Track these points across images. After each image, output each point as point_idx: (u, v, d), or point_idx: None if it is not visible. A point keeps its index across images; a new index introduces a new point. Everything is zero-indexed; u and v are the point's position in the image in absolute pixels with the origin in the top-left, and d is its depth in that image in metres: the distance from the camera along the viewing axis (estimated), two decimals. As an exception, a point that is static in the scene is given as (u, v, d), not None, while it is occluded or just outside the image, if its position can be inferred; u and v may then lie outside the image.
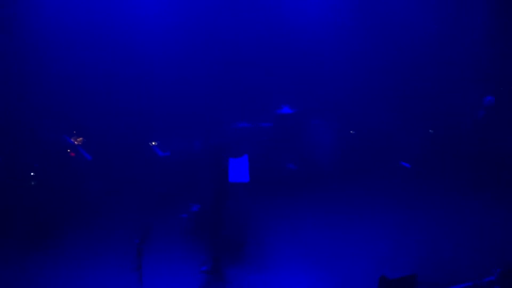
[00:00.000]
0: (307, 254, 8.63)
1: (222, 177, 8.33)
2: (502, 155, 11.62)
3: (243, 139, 11.79)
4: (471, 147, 12.14)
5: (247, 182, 9.12)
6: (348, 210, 10.37)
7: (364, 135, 12.81)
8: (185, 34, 12.31)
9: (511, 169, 11.22)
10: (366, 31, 13.17)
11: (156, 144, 11.37)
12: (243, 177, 9.16)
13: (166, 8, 12.22)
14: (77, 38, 11.59)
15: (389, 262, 8.05)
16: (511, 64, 12.78)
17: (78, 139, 10.73)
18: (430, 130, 12.75)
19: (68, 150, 10.61)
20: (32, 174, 10.30)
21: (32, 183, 10.24)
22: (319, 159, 12.49)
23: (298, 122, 12.54)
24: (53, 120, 10.94)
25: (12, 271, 8.02)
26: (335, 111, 12.94)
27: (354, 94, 13.10)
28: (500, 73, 12.84)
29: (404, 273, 6.84)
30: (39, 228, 9.27)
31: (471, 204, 10.50)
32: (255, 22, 12.77)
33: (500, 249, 8.39)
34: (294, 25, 12.99)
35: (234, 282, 7.85)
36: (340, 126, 12.53)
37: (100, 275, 7.86)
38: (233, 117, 12.26)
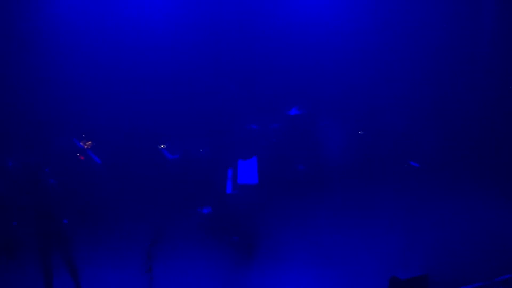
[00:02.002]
0: (317, 255, 8.62)
1: None
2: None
3: (252, 140, 11.79)
4: (482, 146, 12.08)
5: (255, 183, 9.12)
6: (358, 210, 10.34)
7: (373, 135, 12.76)
8: (194, 36, 12.33)
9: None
10: (375, 32, 13.12)
11: (165, 147, 11.39)
12: (252, 179, 9.17)
13: (175, 10, 12.25)
14: (87, 40, 11.64)
15: (400, 262, 8.02)
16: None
17: (87, 143, 10.77)
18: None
19: (78, 154, 10.65)
20: (42, 178, 10.32)
21: (42, 186, 10.27)
22: (328, 160, 12.46)
23: (307, 123, 12.52)
24: (63, 124, 10.99)
25: (22, 274, 8.08)
26: (344, 112, 12.90)
27: (363, 94, 13.06)
28: (504, 73, 12.76)
29: (415, 273, 6.82)
30: (49, 231, 9.29)
31: (483, 203, 10.43)
32: (264, 23, 12.77)
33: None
34: (303, 26, 12.97)
35: (245, 282, 7.86)
36: (349, 127, 12.49)
37: (110, 278, 7.89)
38: (242, 118, 12.26)
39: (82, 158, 10.70)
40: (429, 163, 12.26)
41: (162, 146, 11.41)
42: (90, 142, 10.78)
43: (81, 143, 10.71)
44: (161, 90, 12.13)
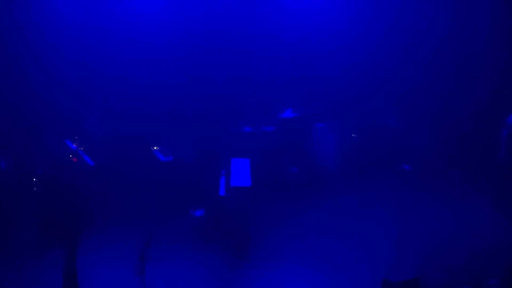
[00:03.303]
0: (310, 258, 8.63)
1: None
2: (505, 155, 11.61)
3: (246, 143, 11.79)
4: (474, 150, 12.11)
5: (249, 186, 9.12)
6: (350, 213, 10.36)
7: (366, 138, 12.79)
8: (186, 37, 12.31)
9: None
10: (369, 34, 13.15)
11: (158, 148, 11.37)
12: (245, 181, 9.17)
13: (167, 12, 12.23)
14: (80, 41, 11.60)
15: (392, 265, 8.04)
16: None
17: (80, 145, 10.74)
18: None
19: (70, 156, 10.61)
20: (34, 179, 10.30)
21: (35, 188, 10.24)
22: (321, 162, 12.49)
23: (301, 125, 12.54)
24: (55, 126, 10.95)
25: (15, 277, 8.04)
26: (337, 114, 12.92)
27: (356, 97, 13.09)
28: (502, 74, 12.79)
29: (407, 276, 6.86)
30: (42, 234, 9.27)
31: (474, 206, 10.46)
32: (258, 25, 12.77)
33: (504, 251, 8.38)
34: (297, 27, 12.98)
35: (238, 284, 7.87)
36: (343, 129, 12.51)
37: (102, 280, 7.87)
38: (236, 121, 12.26)
39: (75, 159, 10.66)
40: (422, 166, 12.30)
41: (155, 148, 11.39)
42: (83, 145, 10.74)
43: (74, 145, 10.67)
44: (153, 92, 12.10)
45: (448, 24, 13.19)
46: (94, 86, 11.73)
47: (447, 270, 7.88)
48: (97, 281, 7.88)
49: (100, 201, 10.22)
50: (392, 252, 8.51)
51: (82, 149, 10.57)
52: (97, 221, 9.89)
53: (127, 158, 11.05)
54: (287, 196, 11.19)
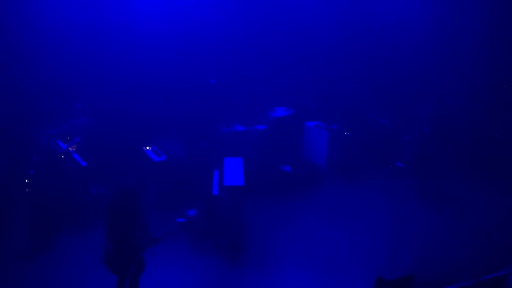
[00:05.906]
0: (304, 256, 8.64)
1: None
2: (498, 153, 11.68)
3: (238, 142, 11.78)
4: (467, 146, 12.18)
5: (242, 185, 9.11)
6: (344, 211, 10.38)
7: (359, 136, 12.82)
8: (179, 37, 12.29)
9: (507, 167, 11.26)
10: (361, 32, 13.19)
11: (150, 148, 11.35)
12: (238, 181, 9.15)
13: (161, 12, 12.20)
14: (73, 40, 11.54)
15: (386, 263, 8.05)
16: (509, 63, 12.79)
17: (72, 145, 10.70)
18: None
19: (62, 156, 10.56)
20: (26, 181, 10.23)
21: (27, 189, 10.18)
22: (315, 161, 12.51)
23: (294, 124, 12.56)
24: (47, 126, 10.90)
25: (8, 278, 7.99)
26: (329, 113, 12.96)
27: (350, 95, 13.14)
28: (497, 73, 12.86)
29: (401, 273, 6.85)
30: (35, 235, 9.21)
31: (467, 202, 10.51)
32: (250, 25, 12.78)
33: (496, 248, 8.42)
34: (288, 27, 13.01)
35: (232, 285, 7.85)
36: (335, 128, 12.52)
37: (96, 281, 7.82)
38: (228, 120, 12.26)
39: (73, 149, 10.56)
40: (415, 163, 12.34)
41: (147, 148, 11.36)
42: (75, 145, 10.69)
43: (66, 145, 10.63)
44: (146, 92, 12.08)
45: (442, 22, 13.26)
46: (86, 86, 11.68)
47: (441, 267, 7.90)
48: (90, 283, 7.84)
49: (92, 202, 10.18)
50: (386, 250, 8.53)
51: (73, 149, 10.53)
52: (90, 222, 9.83)
53: (120, 158, 11.00)
54: (281, 195, 11.20)
